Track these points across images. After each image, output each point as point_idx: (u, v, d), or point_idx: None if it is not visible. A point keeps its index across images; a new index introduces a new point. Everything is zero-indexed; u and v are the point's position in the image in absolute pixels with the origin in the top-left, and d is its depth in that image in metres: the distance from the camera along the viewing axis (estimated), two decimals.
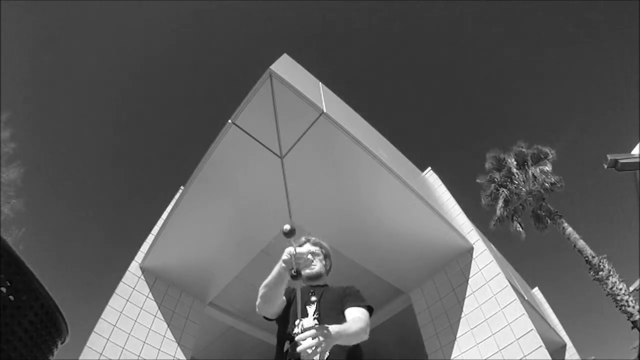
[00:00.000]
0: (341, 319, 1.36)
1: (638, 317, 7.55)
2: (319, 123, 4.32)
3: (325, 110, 4.27)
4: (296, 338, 1.10)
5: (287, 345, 1.30)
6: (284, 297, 1.45)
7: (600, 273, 8.16)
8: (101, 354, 4.81)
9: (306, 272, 1.58)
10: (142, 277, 6.02)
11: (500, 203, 9.80)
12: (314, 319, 1.35)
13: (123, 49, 25.21)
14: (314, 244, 1.66)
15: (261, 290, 1.37)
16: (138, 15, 23.44)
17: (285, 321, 1.41)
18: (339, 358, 1.24)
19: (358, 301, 1.40)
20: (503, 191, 9.91)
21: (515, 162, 10.00)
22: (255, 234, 5.66)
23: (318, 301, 1.42)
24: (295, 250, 1.21)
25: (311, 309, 1.39)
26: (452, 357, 5.36)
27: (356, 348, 1.34)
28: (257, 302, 1.39)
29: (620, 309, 7.89)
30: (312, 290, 1.49)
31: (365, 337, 1.30)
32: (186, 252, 5.85)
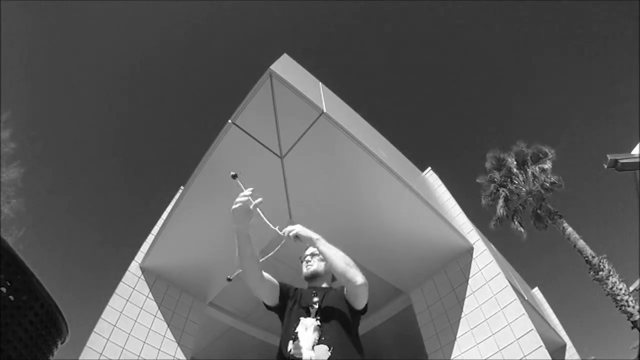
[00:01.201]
0: (343, 319, 1.37)
1: (638, 317, 7.56)
2: (319, 123, 4.31)
3: (325, 110, 4.27)
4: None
5: (290, 345, 1.31)
6: (275, 282, 1.51)
7: (600, 273, 8.17)
8: (101, 354, 4.81)
9: (303, 271, 1.63)
10: (142, 277, 6.02)
11: (500, 203, 9.81)
12: (316, 319, 1.36)
13: (123, 49, 25.22)
14: None
15: (235, 257, 1.44)
16: (138, 16, 23.44)
17: (287, 321, 1.43)
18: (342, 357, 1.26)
19: None
20: (503, 191, 9.92)
21: (515, 162, 10.01)
22: (255, 234, 5.64)
23: (320, 301, 1.44)
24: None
25: (313, 310, 1.41)
26: (452, 357, 5.36)
27: (358, 349, 1.36)
28: (242, 267, 1.45)
29: (620, 309, 7.89)
30: (314, 292, 1.51)
31: (357, 276, 1.38)
32: (186, 252, 5.85)
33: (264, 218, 1.42)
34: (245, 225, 1.40)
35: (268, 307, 1.54)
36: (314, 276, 1.60)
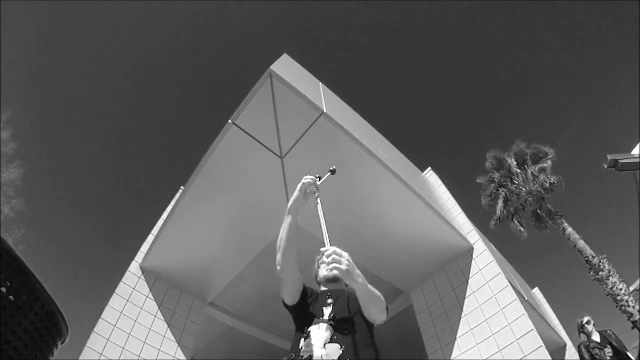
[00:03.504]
0: (357, 320, 1.37)
1: (638, 317, 7.55)
2: (319, 123, 4.31)
3: (325, 110, 4.27)
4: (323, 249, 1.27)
5: (302, 343, 1.32)
6: (301, 282, 1.51)
7: (600, 273, 8.16)
8: (101, 354, 4.80)
9: (322, 273, 1.60)
10: (142, 277, 6.02)
11: (500, 203, 9.80)
12: (329, 319, 1.37)
13: (123, 49, 25.22)
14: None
15: (279, 236, 1.49)
16: (138, 16, 23.45)
17: (302, 319, 1.44)
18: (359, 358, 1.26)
19: None
20: (503, 191, 9.91)
21: (515, 162, 10.00)
22: (255, 234, 5.65)
23: (334, 303, 1.45)
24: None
25: (327, 310, 1.42)
26: (452, 357, 5.35)
27: (372, 348, 1.36)
28: (277, 258, 1.46)
29: (620, 309, 7.88)
30: (329, 293, 1.52)
31: (383, 314, 1.36)
32: (186, 252, 5.85)
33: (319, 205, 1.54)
34: (300, 205, 1.54)
35: (285, 305, 1.54)
36: (334, 280, 1.58)
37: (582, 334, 4.20)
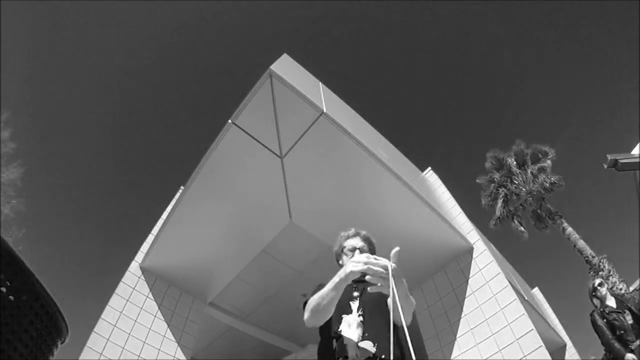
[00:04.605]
0: (385, 313, 1.35)
1: None
2: (319, 123, 4.31)
3: (325, 110, 4.27)
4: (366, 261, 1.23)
5: (335, 343, 1.29)
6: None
7: (600, 273, 8.17)
8: (101, 354, 4.80)
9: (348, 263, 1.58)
10: (142, 277, 6.01)
11: (500, 203, 9.82)
12: (359, 315, 1.34)
13: (123, 49, 25.23)
14: (364, 239, 1.68)
15: (315, 302, 1.30)
16: (139, 15, 23.45)
17: (329, 320, 1.39)
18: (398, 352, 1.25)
19: None
20: (503, 191, 9.93)
21: (515, 162, 10.01)
22: (255, 234, 5.65)
23: (360, 296, 1.41)
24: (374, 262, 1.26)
25: (355, 305, 1.39)
26: (452, 357, 5.35)
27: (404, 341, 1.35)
28: (306, 317, 1.33)
29: None
30: (354, 286, 1.47)
31: (409, 315, 1.32)
32: (186, 252, 5.85)
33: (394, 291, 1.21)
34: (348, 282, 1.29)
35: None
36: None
37: (594, 299, 3.68)
